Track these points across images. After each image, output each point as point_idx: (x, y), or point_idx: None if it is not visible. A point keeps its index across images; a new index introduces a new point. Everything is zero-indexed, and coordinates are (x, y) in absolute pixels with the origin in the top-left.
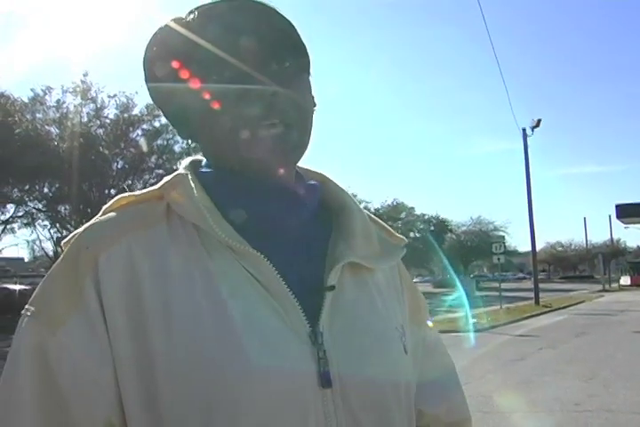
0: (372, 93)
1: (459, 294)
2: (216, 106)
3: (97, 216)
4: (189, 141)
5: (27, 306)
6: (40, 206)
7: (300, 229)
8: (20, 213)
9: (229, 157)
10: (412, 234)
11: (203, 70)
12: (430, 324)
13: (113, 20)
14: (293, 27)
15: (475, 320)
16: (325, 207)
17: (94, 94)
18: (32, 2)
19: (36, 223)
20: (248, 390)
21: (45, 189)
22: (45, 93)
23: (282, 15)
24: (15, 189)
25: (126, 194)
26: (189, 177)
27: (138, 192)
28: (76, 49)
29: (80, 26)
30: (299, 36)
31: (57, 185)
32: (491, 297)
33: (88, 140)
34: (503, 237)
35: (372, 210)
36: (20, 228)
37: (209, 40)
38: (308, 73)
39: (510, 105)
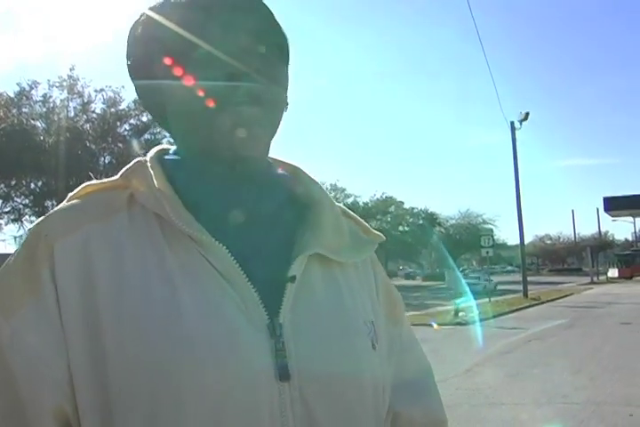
0: (360, 85)
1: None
2: (186, 86)
3: (63, 202)
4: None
5: None
6: (27, 202)
7: (267, 218)
8: (7, 209)
9: (197, 135)
10: (400, 228)
11: (175, 53)
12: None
13: (99, 15)
14: (273, 16)
15: (463, 313)
16: (295, 199)
17: (81, 89)
18: None
19: (23, 219)
20: (195, 380)
21: (32, 185)
22: (32, 88)
23: (262, 4)
24: (2, 185)
25: (92, 182)
26: (149, 164)
27: (105, 180)
28: (63, 43)
29: (66, 20)
30: (278, 25)
31: (44, 180)
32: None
33: (75, 134)
34: (492, 230)
35: (361, 204)
36: (7, 224)
37: (180, 23)
38: (286, 64)
39: (498, 98)
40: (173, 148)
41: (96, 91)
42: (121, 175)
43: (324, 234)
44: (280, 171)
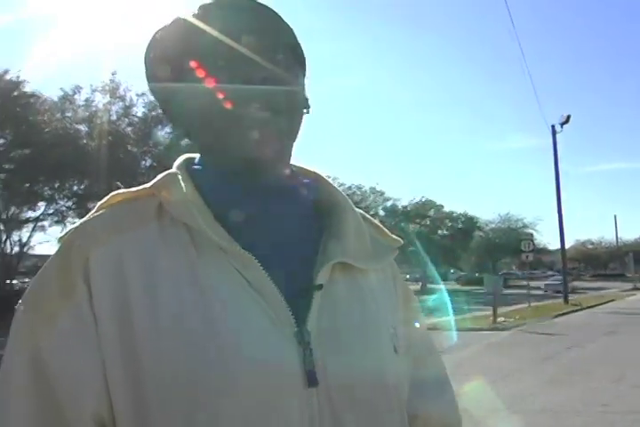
0: (400, 88)
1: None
2: (204, 95)
3: (92, 212)
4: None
5: (21, 299)
6: (70, 204)
7: (293, 228)
8: (51, 211)
9: (219, 143)
10: (440, 231)
11: (198, 64)
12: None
13: (140, 20)
14: (288, 26)
15: (502, 319)
16: (318, 206)
17: (123, 93)
18: (60, 1)
19: (66, 221)
20: (228, 388)
21: (75, 187)
22: (75, 92)
23: (278, 14)
24: (46, 188)
25: (121, 191)
26: (179, 176)
27: (132, 189)
28: (105, 48)
29: (108, 25)
30: (293, 35)
31: (86, 183)
32: (519, 295)
33: (116, 138)
34: (532, 234)
35: (400, 207)
36: (50, 225)
37: (204, 34)
38: (303, 72)
39: (538, 102)
40: (198, 155)
41: (137, 95)
42: (152, 186)
43: (348, 242)
44: (303, 178)
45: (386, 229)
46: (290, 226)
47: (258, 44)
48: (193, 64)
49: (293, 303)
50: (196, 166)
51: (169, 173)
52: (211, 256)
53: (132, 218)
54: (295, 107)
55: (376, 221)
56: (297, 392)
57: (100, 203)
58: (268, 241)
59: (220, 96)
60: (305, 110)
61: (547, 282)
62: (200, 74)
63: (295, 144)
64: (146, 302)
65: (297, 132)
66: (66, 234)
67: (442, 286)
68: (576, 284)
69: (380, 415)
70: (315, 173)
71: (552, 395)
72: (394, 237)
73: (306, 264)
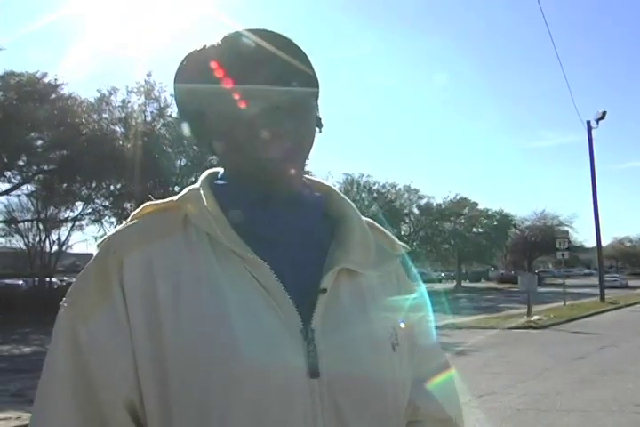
0: (435, 88)
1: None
2: (229, 119)
3: (126, 221)
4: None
5: (65, 298)
6: (107, 204)
7: (302, 236)
8: (88, 211)
9: (237, 161)
10: (475, 229)
11: (222, 93)
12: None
13: (174, 20)
14: (304, 54)
15: (537, 317)
16: (329, 216)
17: (157, 94)
18: (95, 3)
19: (103, 220)
20: (242, 375)
21: (112, 187)
22: (111, 94)
23: (294, 44)
24: (83, 187)
25: (152, 202)
26: (201, 192)
27: (161, 201)
28: (140, 49)
29: (142, 26)
30: (308, 61)
31: (123, 183)
32: (555, 293)
33: (152, 138)
34: (567, 232)
35: (435, 205)
36: (88, 224)
37: (232, 63)
38: (316, 98)
39: (572, 98)
40: (221, 170)
41: (172, 95)
42: (178, 199)
43: (353, 250)
44: (315, 191)
45: (393, 237)
46: (301, 235)
47: (276, 72)
48: (223, 86)
49: (300, 304)
50: (218, 181)
51: (193, 189)
52: (228, 262)
53: (161, 228)
54: (307, 128)
55: (385, 230)
56: (301, 382)
57: (133, 213)
58: (281, 249)
59: (243, 124)
60: (317, 129)
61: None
62: (229, 96)
63: (307, 160)
64: (170, 300)
65: (309, 150)
66: (103, 241)
67: (476, 285)
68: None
69: (374, 405)
70: (327, 186)
71: (583, 394)
72: (400, 243)
73: (314, 270)
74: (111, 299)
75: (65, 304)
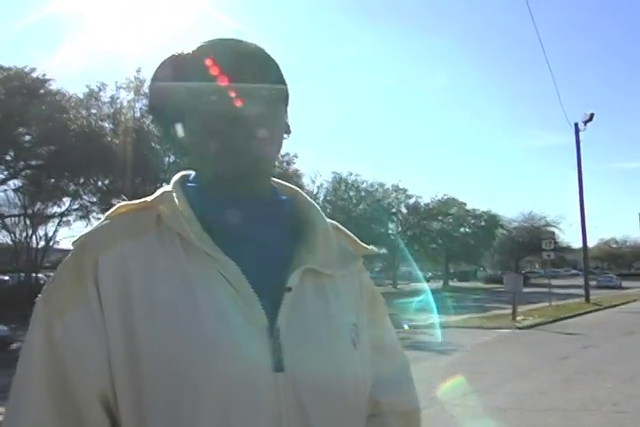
0: (423, 88)
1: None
2: (199, 125)
3: (100, 221)
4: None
5: (40, 294)
6: (94, 200)
7: (270, 237)
8: (76, 206)
9: (208, 166)
10: (462, 229)
11: (194, 96)
12: (406, 327)
13: (165, 16)
14: (274, 64)
15: (522, 317)
16: (294, 218)
17: (147, 90)
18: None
19: (91, 216)
20: (209, 370)
21: (99, 183)
22: (100, 90)
23: (265, 53)
24: (71, 183)
25: (125, 203)
26: (174, 194)
27: (134, 202)
28: (129, 45)
29: (132, 22)
30: (278, 71)
31: (111, 179)
32: (541, 294)
33: (140, 135)
34: (553, 233)
35: (423, 205)
36: (75, 220)
37: (204, 73)
38: (286, 103)
39: (560, 100)
40: (193, 173)
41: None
42: (152, 200)
43: (317, 251)
44: (281, 194)
45: (356, 239)
46: (267, 236)
47: (247, 81)
48: (189, 104)
49: (267, 302)
50: (190, 184)
51: (166, 191)
52: (198, 260)
53: (135, 227)
54: (275, 135)
55: (348, 232)
56: (267, 377)
57: (107, 213)
58: (247, 248)
59: (213, 130)
60: (285, 135)
61: (599, 278)
62: (202, 104)
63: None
64: (143, 297)
65: (276, 155)
66: (78, 239)
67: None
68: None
69: (335, 399)
70: (294, 189)
71: (565, 394)
72: (364, 245)
73: (279, 269)
74: (86, 296)
75: (41, 300)
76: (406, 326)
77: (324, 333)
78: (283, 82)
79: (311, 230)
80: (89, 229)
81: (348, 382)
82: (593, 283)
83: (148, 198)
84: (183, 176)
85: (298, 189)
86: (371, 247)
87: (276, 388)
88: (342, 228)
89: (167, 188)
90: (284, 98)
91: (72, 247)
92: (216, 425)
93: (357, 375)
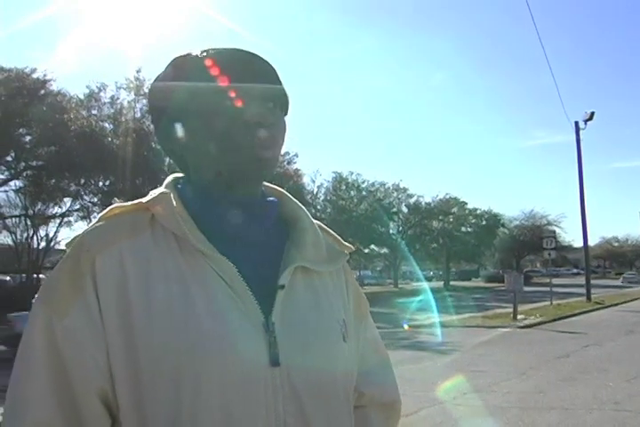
0: (424, 88)
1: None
2: (212, 131)
3: (94, 222)
4: None
5: (37, 295)
6: (95, 200)
7: (261, 237)
8: (77, 207)
9: (208, 166)
10: (463, 228)
11: (202, 104)
12: (406, 326)
13: (165, 16)
14: (278, 77)
15: (523, 316)
16: (283, 219)
17: (147, 90)
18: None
19: (92, 216)
20: (207, 365)
21: (100, 184)
22: (100, 90)
23: (272, 67)
24: (71, 184)
25: (118, 204)
26: (171, 195)
27: (128, 203)
28: (130, 45)
29: (132, 22)
30: (281, 84)
31: (111, 179)
32: (542, 293)
33: (141, 135)
34: (554, 231)
35: (424, 204)
36: (76, 221)
37: (215, 80)
38: (286, 113)
39: (560, 99)
40: (184, 176)
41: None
42: (147, 201)
43: (306, 249)
44: (268, 195)
45: (339, 238)
46: (259, 235)
47: (255, 94)
48: (197, 111)
49: (261, 299)
50: (183, 185)
51: (162, 193)
52: (193, 259)
53: (130, 227)
54: (278, 146)
55: (331, 231)
56: (263, 370)
57: (100, 215)
58: (241, 247)
59: (224, 137)
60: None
61: (624, 275)
62: (209, 104)
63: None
64: (141, 295)
65: (275, 166)
66: (74, 240)
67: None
68: (597, 282)
69: (328, 390)
70: (279, 191)
71: (565, 392)
72: (345, 243)
73: (272, 267)
74: (85, 296)
75: (38, 301)
76: (406, 326)
77: (317, 328)
78: (285, 93)
79: (299, 230)
80: (84, 230)
81: (339, 374)
82: (562, 289)
83: (143, 200)
84: (176, 178)
85: (283, 190)
86: (349, 245)
87: (273, 382)
88: (325, 227)
89: (162, 189)
90: (286, 108)
91: (67, 249)
92: (216, 421)
93: (347, 369)
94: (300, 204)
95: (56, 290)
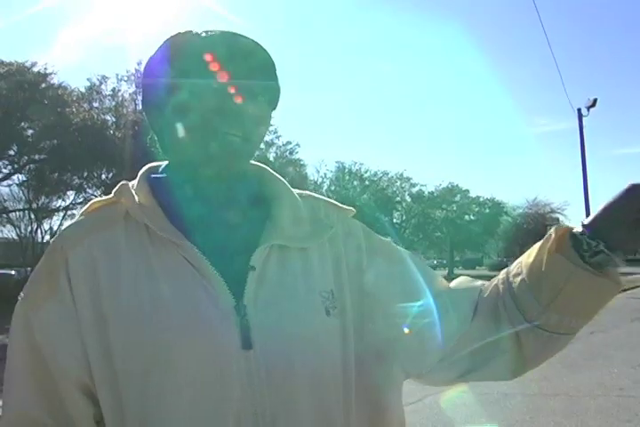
0: (426, 76)
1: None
2: (197, 117)
3: (76, 217)
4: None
5: (22, 291)
6: (98, 193)
7: (234, 218)
8: (80, 200)
9: (190, 155)
10: (466, 217)
11: (188, 90)
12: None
13: (166, 8)
14: (275, 71)
15: None
16: (261, 196)
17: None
18: None
19: None
20: (179, 351)
21: (103, 176)
22: (101, 83)
23: (270, 59)
24: (74, 177)
25: (97, 199)
26: (130, 185)
27: (105, 197)
28: (130, 37)
29: (133, 14)
30: (276, 77)
31: (114, 172)
32: None
33: (143, 128)
34: (558, 219)
35: (427, 193)
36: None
37: (202, 64)
38: (274, 108)
39: (563, 86)
40: (163, 164)
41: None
42: (113, 194)
43: (283, 226)
44: (251, 174)
45: (337, 203)
46: (232, 217)
47: (248, 85)
48: (177, 95)
49: (232, 282)
50: (155, 175)
51: (122, 185)
52: (164, 249)
53: (103, 221)
54: (260, 137)
55: (325, 198)
56: (235, 354)
57: (82, 210)
58: (213, 232)
59: (200, 121)
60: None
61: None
62: (194, 101)
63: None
64: (112, 289)
65: (254, 155)
66: (54, 238)
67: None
68: None
69: (310, 368)
70: (258, 166)
71: (569, 379)
72: (346, 207)
73: (246, 250)
74: (59, 291)
75: (20, 297)
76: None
77: (291, 307)
78: (278, 87)
79: (277, 206)
80: (65, 226)
81: (322, 351)
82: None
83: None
84: (150, 168)
85: (264, 166)
86: (349, 208)
87: (247, 365)
88: (318, 196)
89: (124, 182)
90: (274, 99)
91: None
92: (190, 406)
93: (333, 343)
94: (282, 179)
95: (34, 287)
